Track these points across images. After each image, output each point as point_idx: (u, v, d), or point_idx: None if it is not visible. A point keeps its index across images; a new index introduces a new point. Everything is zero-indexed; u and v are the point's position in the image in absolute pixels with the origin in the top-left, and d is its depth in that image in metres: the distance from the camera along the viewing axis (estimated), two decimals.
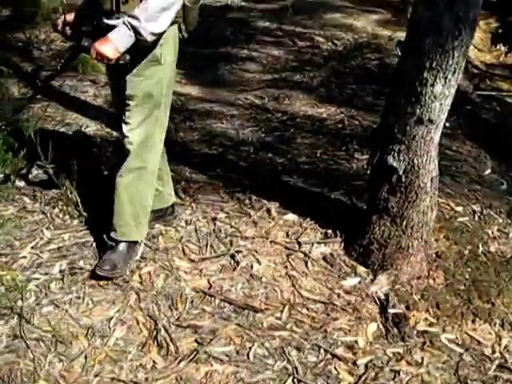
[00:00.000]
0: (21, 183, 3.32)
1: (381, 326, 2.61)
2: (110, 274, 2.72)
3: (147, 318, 2.56)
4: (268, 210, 3.28)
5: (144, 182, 2.74)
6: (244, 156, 3.94)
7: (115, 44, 2.39)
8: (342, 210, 3.33)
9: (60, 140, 3.67)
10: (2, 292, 2.62)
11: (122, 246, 2.78)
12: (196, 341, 2.46)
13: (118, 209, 2.75)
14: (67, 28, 2.67)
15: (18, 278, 2.70)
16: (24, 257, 2.86)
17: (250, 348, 2.44)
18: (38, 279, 2.73)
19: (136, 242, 2.85)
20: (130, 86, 2.57)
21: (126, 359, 2.37)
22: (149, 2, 2.34)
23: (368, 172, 2.97)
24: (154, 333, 2.48)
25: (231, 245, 3.02)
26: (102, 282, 2.72)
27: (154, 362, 2.36)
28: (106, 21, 2.46)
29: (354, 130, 4.42)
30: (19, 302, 2.55)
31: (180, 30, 2.60)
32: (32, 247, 2.92)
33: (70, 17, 2.68)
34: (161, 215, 3.11)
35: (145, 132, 2.64)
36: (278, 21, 7.01)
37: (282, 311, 2.63)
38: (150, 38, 2.40)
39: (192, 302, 2.66)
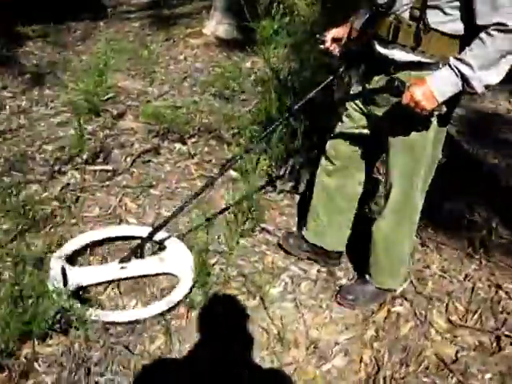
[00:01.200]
0: None
1: None
2: (348, 304, 2.56)
3: (373, 360, 2.31)
4: None
5: (402, 231, 2.40)
6: None
7: (434, 91, 1.91)
8: None
9: None
10: (255, 271, 2.69)
11: (373, 287, 2.56)
12: None
13: (374, 255, 2.49)
14: (335, 45, 2.37)
15: (277, 264, 2.75)
16: None
17: None
18: (293, 271, 2.73)
19: (390, 290, 2.60)
20: (392, 129, 2.17)
21: None
22: (480, 43, 1.82)
23: None
24: (371, 380, 2.23)
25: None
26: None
27: None
28: (378, 48, 2.08)
29: None
30: (266, 287, 2.58)
31: None
32: None
33: (339, 33, 2.35)
34: (319, 253, 2.76)
35: (406, 186, 2.26)
36: None
37: None
38: (480, 91, 1.89)
39: (427, 367, 2.28)
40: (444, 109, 1.98)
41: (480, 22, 1.81)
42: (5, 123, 3.83)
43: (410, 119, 2.05)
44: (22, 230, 2.76)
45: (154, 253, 2.72)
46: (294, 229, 3.01)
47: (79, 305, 2.24)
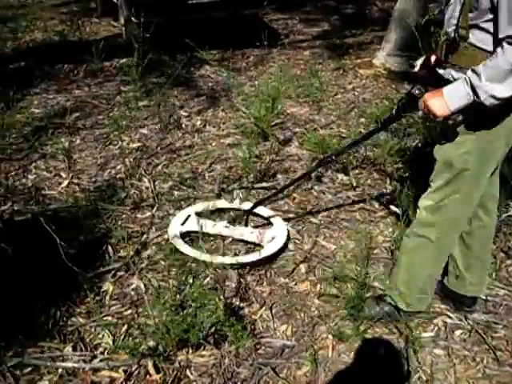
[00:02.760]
0: None
1: None
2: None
3: None
4: None
5: (424, 254, 2.36)
6: None
7: (447, 100, 1.99)
8: None
9: None
10: None
11: (386, 305, 2.51)
12: None
13: (396, 268, 2.51)
14: (424, 71, 2.33)
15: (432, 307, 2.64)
16: None
17: None
18: (447, 317, 2.60)
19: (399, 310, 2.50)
20: (436, 147, 2.22)
21: None
22: (494, 57, 1.85)
23: None
24: None
25: None
26: None
27: None
28: (436, 69, 2.10)
29: None
30: (418, 329, 2.50)
31: None
32: None
33: (429, 59, 2.32)
34: (455, 298, 2.64)
35: (438, 200, 2.25)
36: None
37: None
38: (488, 102, 1.91)
39: None
40: (460, 118, 2.04)
41: (500, 35, 1.85)
42: (180, 141, 4.13)
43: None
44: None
45: (257, 226, 3.18)
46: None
47: (234, 321, 2.34)
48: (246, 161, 3.57)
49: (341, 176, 3.67)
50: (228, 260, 2.84)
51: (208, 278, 2.71)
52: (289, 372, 2.27)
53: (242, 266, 2.83)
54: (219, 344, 2.35)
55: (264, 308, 2.59)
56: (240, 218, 3.19)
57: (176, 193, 3.47)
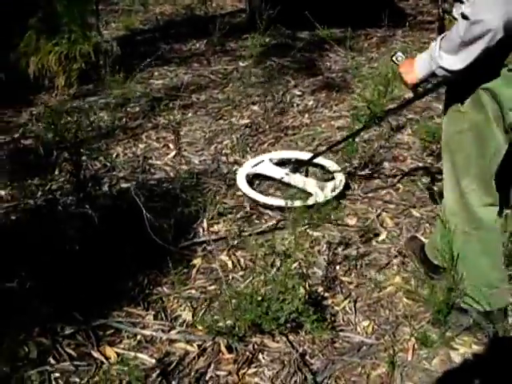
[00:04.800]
0: None
1: None
2: None
3: None
4: None
5: (468, 247, 2.17)
6: None
7: (416, 68, 2.05)
8: None
9: None
10: None
11: (472, 312, 2.28)
12: None
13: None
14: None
15: None
16: None
17: None
18: None
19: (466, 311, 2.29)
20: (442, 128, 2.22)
21: None
22: (452, 28, 1.87)
23: None
24: None
25: None
26: None
27: None
28: None
29: None
30: None
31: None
32: None
33: None
34: None
35: (451, 187, 2.18)
36: None
37: None
38: (439, 73, 1.94)
39: None
40: (429, 86, 2.19)
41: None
42: (290, 120, 4.08)
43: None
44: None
45: (319, 178, 3.33)
46: None
47: (314, 311, 2.26)
48: (352, 146, 3.44)
49: None
50: (274, 201, 3.09)
51: (296, 264, 2.65)
52: (363, 371, 2.15)
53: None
54: (297, 332, 2.29)
55: (348, 300, 2.48)
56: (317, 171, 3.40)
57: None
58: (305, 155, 3.46)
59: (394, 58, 2.22)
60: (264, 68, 4.84)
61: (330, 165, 3.39)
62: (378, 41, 5.49)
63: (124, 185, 3.28)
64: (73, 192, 2.98)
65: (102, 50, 4.48)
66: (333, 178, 3.28)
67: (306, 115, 4.14)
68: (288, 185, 3.27)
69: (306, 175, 3.33)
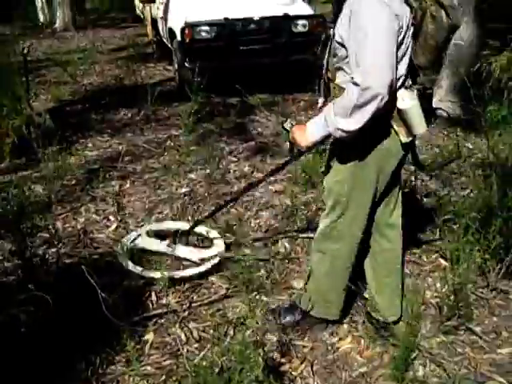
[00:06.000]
0: None
1: None
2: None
3: None
4: None
5: (323, 267, 2.57)
6: None
7: (308, 132, 2.26)
8: None
9: None
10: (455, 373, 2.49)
11: (296, 309, 2.73)
12: None
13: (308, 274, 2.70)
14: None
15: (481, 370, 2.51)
16: None
17: None
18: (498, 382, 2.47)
19: (305, 312, 2.69)
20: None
21: None
22: (344, 94, 2.10)
23: None
24: None
25: None
26: None
27: None
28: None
29: None
30: None
31: (396, 133, 2.24)
32: None
33: None
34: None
35: (328, 222, 2.48)
36: None
37: None
38: (337, 134, 2.14)
39: None
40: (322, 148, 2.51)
41: (351, 74, 2.10)
42: (228, 187, 4.16)
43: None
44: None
45: (198, 246, 3.37)
46: (505, 334, 2.74)
47: (272, 380, 2.26)
48: (291, 209, 3.55)
49: None
50: (158, 275, 2.94)
51: (249, 331, 2.66)
52: None
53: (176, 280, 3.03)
54: None
55: (304, 364, 2.52)
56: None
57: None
58: (182, 225, 3.48)
59: (284, 125, 2.44)
60: (197, 135, 4.94)
61: (209, 232, 3.43)
62: (305, 105, 5.75)
63: (68, 260, 3.22)
64: (19, 273, 2.90)
65: (35, 123, 4.45)
66: (212, 245, 3.32)
67: (243, 181, 4.23)
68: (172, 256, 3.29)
69: (187, 244, 3.34)
